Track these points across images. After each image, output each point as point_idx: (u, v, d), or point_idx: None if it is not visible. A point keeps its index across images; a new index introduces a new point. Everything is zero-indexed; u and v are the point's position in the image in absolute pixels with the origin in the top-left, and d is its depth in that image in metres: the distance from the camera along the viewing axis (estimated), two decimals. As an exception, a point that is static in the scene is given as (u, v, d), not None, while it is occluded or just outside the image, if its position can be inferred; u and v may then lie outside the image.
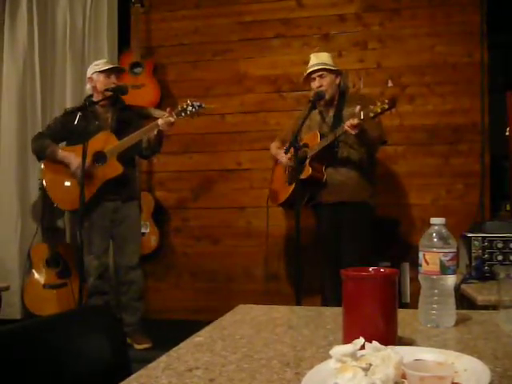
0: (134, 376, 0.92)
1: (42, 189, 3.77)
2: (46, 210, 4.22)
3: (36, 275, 4.17)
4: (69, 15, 4.52)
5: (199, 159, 4.47)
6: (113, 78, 3.55)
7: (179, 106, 3.43)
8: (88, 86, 3.63)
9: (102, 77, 3.53)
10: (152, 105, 4.38)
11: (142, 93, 4.37)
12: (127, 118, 3.61)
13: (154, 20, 4.60)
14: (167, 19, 4.58)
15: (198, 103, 3.44)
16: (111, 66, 3.59)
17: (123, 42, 4.56)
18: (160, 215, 4.45)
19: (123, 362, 1.16)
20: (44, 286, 4.13)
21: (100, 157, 3.47)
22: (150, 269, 4.39)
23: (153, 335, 3.62)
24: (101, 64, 3.59)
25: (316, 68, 3.36)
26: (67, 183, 3.53)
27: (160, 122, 3.40)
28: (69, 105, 4.30)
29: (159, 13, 4.60)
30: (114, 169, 3.47)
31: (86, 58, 4.52)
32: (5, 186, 4.36)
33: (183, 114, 3.41)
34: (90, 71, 3.60)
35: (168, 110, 3.44)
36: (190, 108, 3.41)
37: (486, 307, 1.88)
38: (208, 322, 1.27)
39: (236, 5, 4.44)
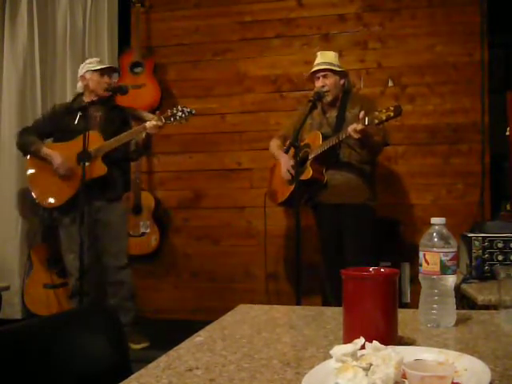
0: (134, 376, 0.92)
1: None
2: (46, 210, 4.21)
3: (36, 275, 4.17)
4: (69, 15, 4.52)
5: (199, 159, 4.47)
6: (106, 78, 3.54)
7: (169, 111, 3.41)
8: (79, 84, 3.60)
9: (95, 76, 3.52)
10: (152, 105, 4.38)
11: (142, 93, 4.37)
12: (116, 118, 3.59)
13: (154, 20, 4.60)
14: (167, 19, 4.58)
15: (188, 109, 3.40)
16: (105, 66, 3.59)
17: (123, 41, 4.57)
18: (160, 215, 4.45)
19: (123, 362, 1.16)
20: (44, 285, 4.13)
21: (85, 156, 3.40)
22: (150, 269, 4.39)
23: (153, 335, 3.61)
24: (94, 63, 3.57)
25: (321, 68, 3.36)
26: (49, 179, 3.50)
27: (148, 124, 3.39)
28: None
29: (159, 13, 4.60)
30: (97, 169, 3.43)
31: (86, 58, 4.50)
32: (5, 185, 4.36)
33: (172, 119, 3.39)
34: (82, 69, 3.57)
35: (157, 113, 3.44)
36: (179, 114, 3.39)
37: (486, 307, 1.88)
38: (208, 322, 1.27)
39: (236, 5, 4.44)
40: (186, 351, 1.05)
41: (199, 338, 1.15)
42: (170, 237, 4.50)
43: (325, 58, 3.40)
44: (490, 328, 1.18)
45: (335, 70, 3.36)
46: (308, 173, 3.29)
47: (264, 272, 4.09)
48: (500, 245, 2.26)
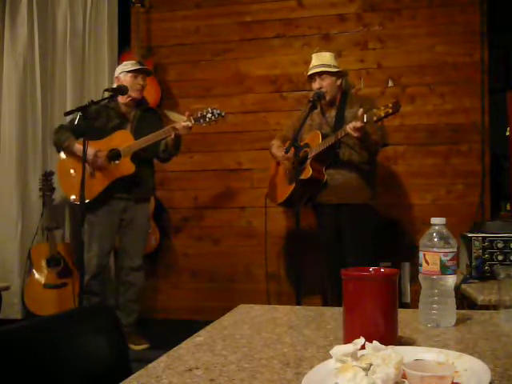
0: (134, 376, 0.92)
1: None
2: (46, 210, 4.22)
3: (36, 275, 4.17)
4: (69, 15, 4.52)
5: (199, 159, 4.47)
6: (139, 79, 3.58)
7: (199, 113, 3.46)
8: (114, 86, 3.62)
9: (128, 77, 3.55)
10: (152, 105, 4.37)
11: (142, 93, 4.36)
12: (149, 120, 3.63)
13: (155, 20, 4.60)
14: (167, 19, 4.58)
15: (218, 111, 3.47)
16: (139, 67, 3.61)
17: (123, 41, 4.57)
18: (160, 215, 4.45)
19: (123, 362, 1.16)
20: (44, 285, 4.13)
21: (115, 154, 3.49)
22: (150, 269, 4.39)
23: (152, 335, 3.62)
24: (129, 64, 3.62)
25: (316, 71, 3.35)
26: (78, 177, 3.52)
27: (178, 125, 3.44)
28: (69, 105, 4.30)
29: (159, 13, 4.60)
30: (126, 167, 3.47)
31: (86, 58, 4.52)
32: (5, 185, 4.36)
33: (202, 121, 3.44)
34: (117, 71, 3.63)
35: (187, 114, 3.46)
36: (209, 115, 3.44)
37: (486, 307, 1.88)
38: (208, 322, 1.27)
39: (236, 5, 4.44)
40: (186, 351, 1.05)
41: (199, 338, 1.15)
42: (170, 237, 4.50)
43: (319, 59, 3.40)
44: (490, 328, 1.18)
45: (331, 71, 3.35)
46: (308, 172, 3.29)
47: (264, 272, 4.09)
48: (500, 245, 2.26)
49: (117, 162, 3.49)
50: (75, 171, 3.55)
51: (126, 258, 3.62)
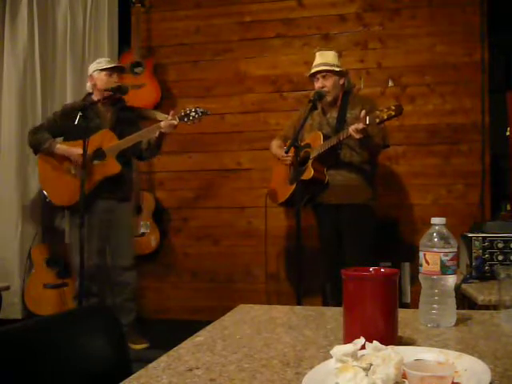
0: (134, 376, 0.92)
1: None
2: (46, 210, 4.22)
3: (36, 275, 4.17)
4: (69, 15, 4.52)
5: (199, 159, 4.47)
6: (114, 77, 3.54)
7: (182, 111, 3.44)
8: (88, 84, 3.60)
9: (103, 75, 3.51)
10: (152, 105, 4.38)
11: (142, 93, 4.36)
12: (127, 118, 3.61)
13: (155, 20, 4.60)
14: (168, 19, 4.58)
15: (202, 110, 3.45)
16: (113, 65, 3.58)
17: (123, 41, 4.57)
18: (160, 215, 4.45)
19: (123, 362, 1.16)
20: (44, 285, 4.13)
21: (99, 154, 3.45)
22: (150, 269, 4.39)
23: (152, 335, 3.62)
24: (103, 62, 3.58)
25: (319, 69, 3.34)
26: (62, 178, 3.50)
27: (163, 124, 3.42)
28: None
29: (160, 12, 4.60)
30: (112, 167, 3.45)
31: (86, 58, 4.52)
32: (5, 186, 4.36)
33: (186, 119, 3.42)
34: (91, 69, 3.58)
35: (171, 113, 3.45)
36: (193, 114, 3.42)
37: (486, 307, 1.88)
38: (208, 322, 1.27)
39: (236, 5, 4.44)
40: (186, 351, 1.05)
41: (199, 338, 1.14)
42: (170, 237, 4.50)
43: (323, 58, 3.38)
44: (490, 328, 1.18)
45: (334, 71, 3.35)
46: (309, 173, 3.29)
47: (264, 272, 4.09)
48: (500, 245, 2.26)
49: (97, 161, 3.44)
50: (56, 173, 3.52)
51: (118, 258, 3.59)
